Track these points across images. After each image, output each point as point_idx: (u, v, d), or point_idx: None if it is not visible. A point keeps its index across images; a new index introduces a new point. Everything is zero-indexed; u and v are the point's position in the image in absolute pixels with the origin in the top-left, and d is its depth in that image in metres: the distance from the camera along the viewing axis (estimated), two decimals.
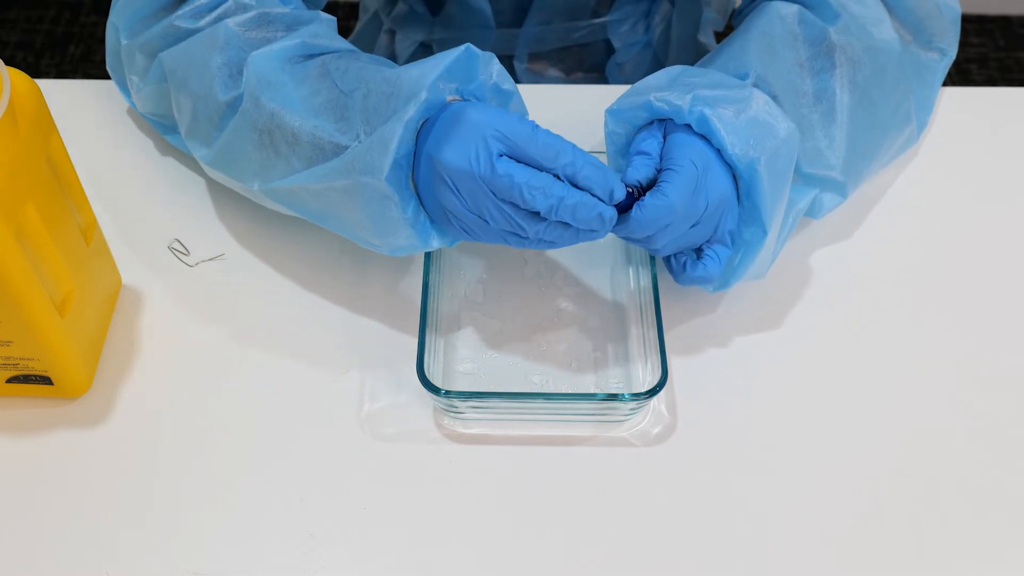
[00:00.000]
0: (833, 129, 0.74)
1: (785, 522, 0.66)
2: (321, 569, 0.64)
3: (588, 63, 1.04)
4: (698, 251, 0.70)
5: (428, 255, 0.73)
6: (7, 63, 1.94)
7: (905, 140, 0.82)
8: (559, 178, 0.63)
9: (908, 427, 0.71)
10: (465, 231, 0.66)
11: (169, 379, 0.72)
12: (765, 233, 0.68)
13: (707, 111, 0.67)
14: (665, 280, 0.77)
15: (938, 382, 0.73)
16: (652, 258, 0.74)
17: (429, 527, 0.66)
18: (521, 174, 0.62)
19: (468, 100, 0.67)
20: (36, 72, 1.96)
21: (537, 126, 0.63)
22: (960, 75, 2.01)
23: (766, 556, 0.65)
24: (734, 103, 0.68)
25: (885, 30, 0.76)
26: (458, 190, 0.63)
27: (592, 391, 0.72)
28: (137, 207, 0.82)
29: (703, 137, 0.67)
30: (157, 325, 0.75)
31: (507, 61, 1.02)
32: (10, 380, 0.69)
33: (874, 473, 0.69)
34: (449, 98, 0.66)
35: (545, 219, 0.64)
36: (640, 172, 0.67)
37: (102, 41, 2.03)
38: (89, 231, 0.71)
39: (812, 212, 0.76)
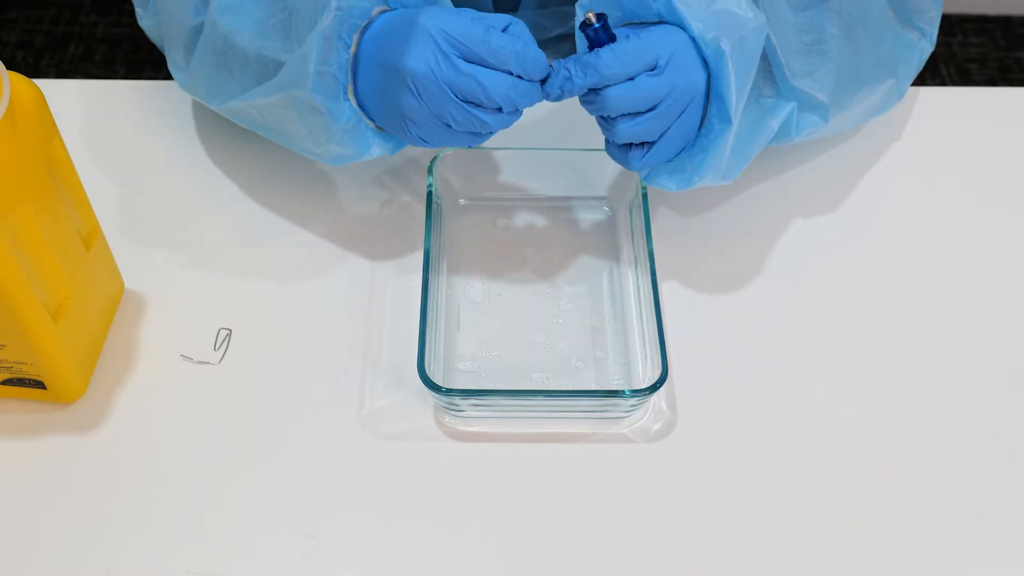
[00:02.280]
0: (821, 58, 0.73)
1: (785, 518, 0.66)
2: (321, 569, 0.64)
3: None
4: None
5: (428, 255, 0.73)
6: (7, 63, 1.95)
7: (886, 94, 0.81)
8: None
9: (909, 423, 0.71)
10: (423, 139, 0.68)
11: (168, 380, 0.72)
12: (730, 123, 0.67)
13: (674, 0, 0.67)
14: (665, 278, 0.77)
15: (938, 381, 0.73)
16: (652, 256, 0.74)
17: (430, 526, 0.66)
18: (483, 74, 0.64)
19: (396, 9, 0.69)
20: (36, 72, 1.96)
21: (489, 28, 0.64)
22: (960, 75, 2.00)
23: (766, 553, 0.65)
24: None
25: None
26: (420, 95, 0.65)
27: (592, 388, 0.72)
28: (141, 210, 0.82)
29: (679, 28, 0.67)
30: (158, 330, 0.75)
31: None
32: (4, 383, 0.69)
33: (874, 470, 0.69)
34: (377, 9, 0.68)
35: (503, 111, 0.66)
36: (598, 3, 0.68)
37: (102, 41, 2.03)
38: (91, 236, 0.71)
39: (787, 130, 0.74)
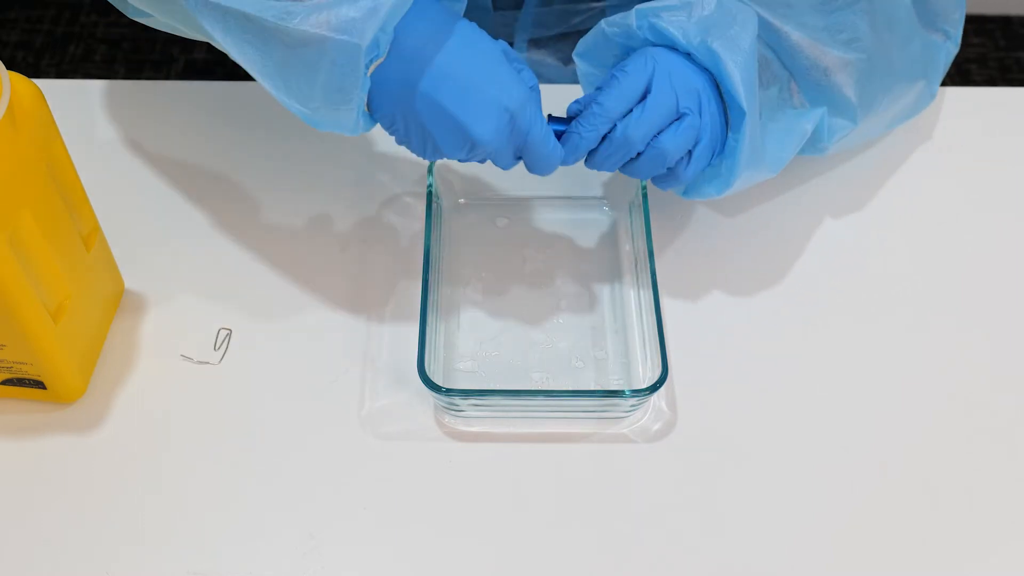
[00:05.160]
0: (857, 54, 0.73)
1: (785, 518, 0.66)
2: (321, 569, 0.64)
3: None
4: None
5: (428, 255, 0.73)
6: (7, 63, 1.94)
7: (919, 96, 0.81)
8: None
9: (909, 423, 0.71)
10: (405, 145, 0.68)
11: (168, 381, 0.72)
12: (743, 112, 0.67)
13: (656, 21, 0.67)
14: (665, 277, 0.77)
15: (938, 381, 0.73)
16: (651, 255, 0.74)
17: (430, 526, 0.66)
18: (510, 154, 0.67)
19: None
20: (36, 72, 1.96)
21: (551, 130, 0.67)
22: (960, 75, 2.00)
23: (767, 552, 0.65)
24: (683, 8, 0.68)
25: None
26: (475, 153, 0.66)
27: (592, 388, 0.72)
28: (141, 210, 0.82)
29: (668, 48, 0.68)
30: (158, 330, 0.75)
31: None
32: (4, 383, 0.69)
33: (874, 470, 0.69)
34: None
35: None
36: (580, 104, 0.69)
37: (102, 41, 2.03)
38: (91, 237, 0.71)
39: (819, 135, 0.74)
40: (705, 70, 0.68)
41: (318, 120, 0.64)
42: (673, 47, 0.68)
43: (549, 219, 0.82)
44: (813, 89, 0.73)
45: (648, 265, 0.74)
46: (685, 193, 0.73)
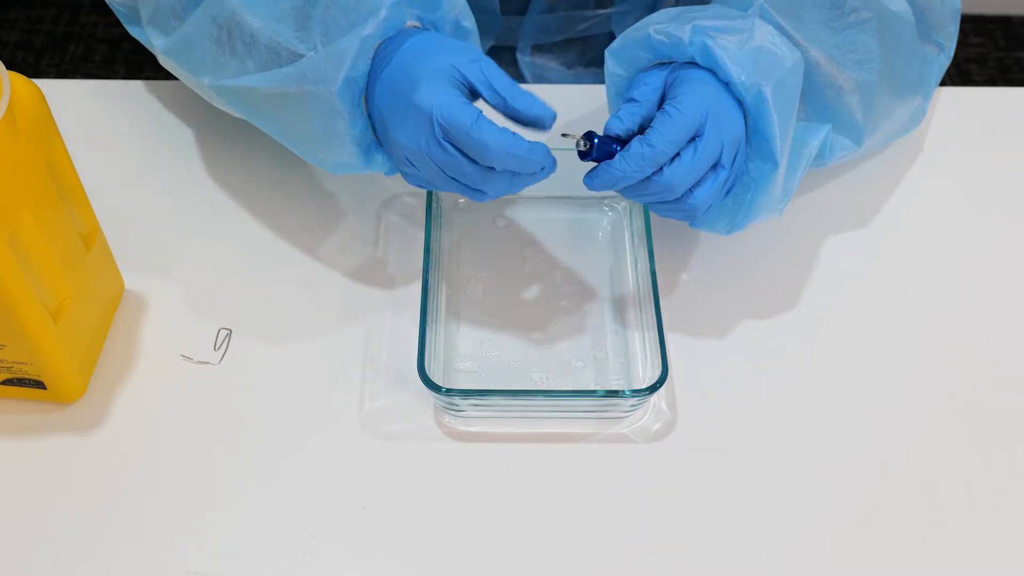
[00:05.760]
0: (867, 75, 0.72)
1: (785, 518, 0.66)
2: (321, 569, 0.64)
3: (591, 57, 1.03)
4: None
5: (428, 255, 0.73)
6: (7, 63, 1.94)
7: (913, 114, 0.81)
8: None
9: (909, 423, 0.71)
10: (417, 182, 0.69)
11: (168, 381, 0.72)
12: (776, 165, 0.66)
13: (709, 42, 0.65)
14: (665, 276, 0.77)
15: (938, 381, 0.73)
16: (651, 255, 0.74)
17: (430, 526, 0.66)
18: (462, 160, 0.64)
19: (428, 30, 0.69)
20: (36, 72, 1.96)
21: (480, 116, 0.63)
22: (960, 75, 2.00)
23: (766, 552, 0.65)
24: (737, 33, 0.66)
25: (898, 2, 0.74)
26: (412, 163, 0.66)
27: (592, 388, 0.72)
28: (141, 210, 0.82)
29: (710, 71, 0.66)
30: (158, 330, 0.75)
31: (510, 53, 1.01)
32: (4, 383, 0.69)
33: (874, 470, 0.69)
34: (409, 23, 0.68)
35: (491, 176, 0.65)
36: (623, 123, 0.65)
37: (102, 41, 2.03)
38: (91, 237, 0.71)
39: (822, 155, 0.74)
40: (740, 103, 0.66)
41: (332, 164, 0.71)
42: (714, 72, 0.66)
43: (549, 219, 0.82)
44: (821, 106, 0.72)
45: (648, 265, 0.74)
46: (693, 223, 0.71)
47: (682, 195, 0.65)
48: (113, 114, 0.89)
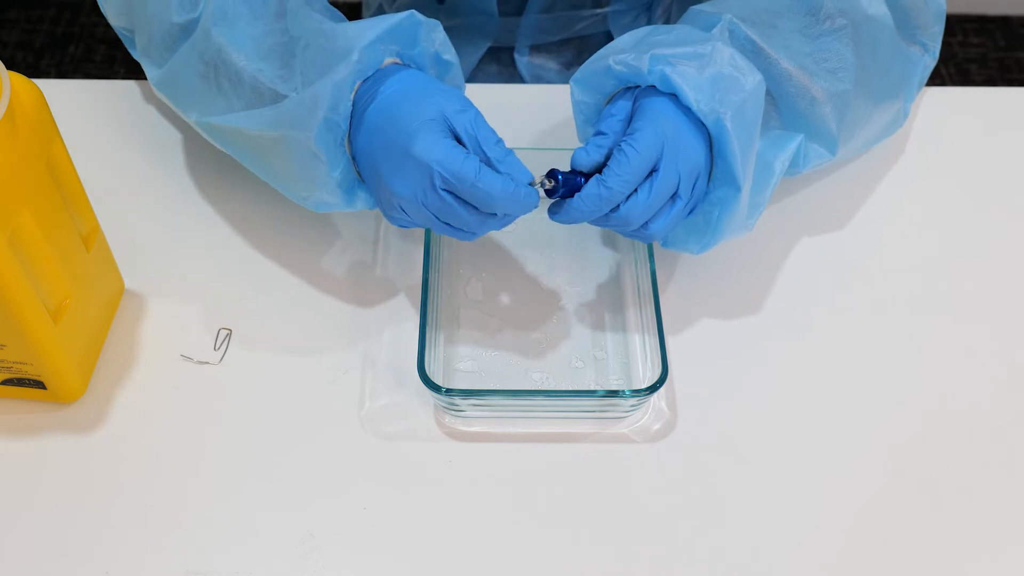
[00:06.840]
0: (840, 84, 0.73)
1: (785, 518, 0.66)
2: (321, 569, 0.64)
3: (589, 56, 1.04)
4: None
5: (428, 255, 0.73)
6: (7, 63, 1.94)
7: (893, 118, 0.81)
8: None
9: (909, 423, 0.71)
10: (403, 224, 0.69)
11: (168, 381, 0.72)
12: (739, 189, 0.67)
13: (668, 69, 0.66)
14: (665, 276, 0.77)
15: (938, 381, 0.73)
16: (651, 255, 0.74)
17: (430, 526, 0.66)
18: (460, 208, 0.64)
19: (408, 66, 0.69)
20: (36, 72, 1.96)
21: (482, 167, 0.63)
22: (960, 75, 2.00)
23: (767, 552, 0.65)
24: (696, 59, 0.67)
25: (877, 5, 0.75)
26: (405, 211, 0.66)
27: (592, 388, 0.72)
28: (141, 210, 0.82)
29: (672, 96, 0.67)
30: (158, 330, 0.75)
31: (508, 53, 1.01)
32: (4, 383, 0.69)
33: (874, 471, 0.69)
34: (388, 60, 0.68)
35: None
36: (590, 156, 0.66)
37: (102, 41, 2.03)
38: (91, 237, 0.71)
39: (796, 164, 0.74)
40: (703, 127, 0.67)
41: (315, 204, 0.70)
42: (675, 96, 0.67)
43: (549, 219, 0.82)
44: (795, 116, 0.73)
45: (648, 265, 0.74)
46: (665, 243, 0.72)
47: (639, 226, 0.67)
48: (113, 114, 0.89)
